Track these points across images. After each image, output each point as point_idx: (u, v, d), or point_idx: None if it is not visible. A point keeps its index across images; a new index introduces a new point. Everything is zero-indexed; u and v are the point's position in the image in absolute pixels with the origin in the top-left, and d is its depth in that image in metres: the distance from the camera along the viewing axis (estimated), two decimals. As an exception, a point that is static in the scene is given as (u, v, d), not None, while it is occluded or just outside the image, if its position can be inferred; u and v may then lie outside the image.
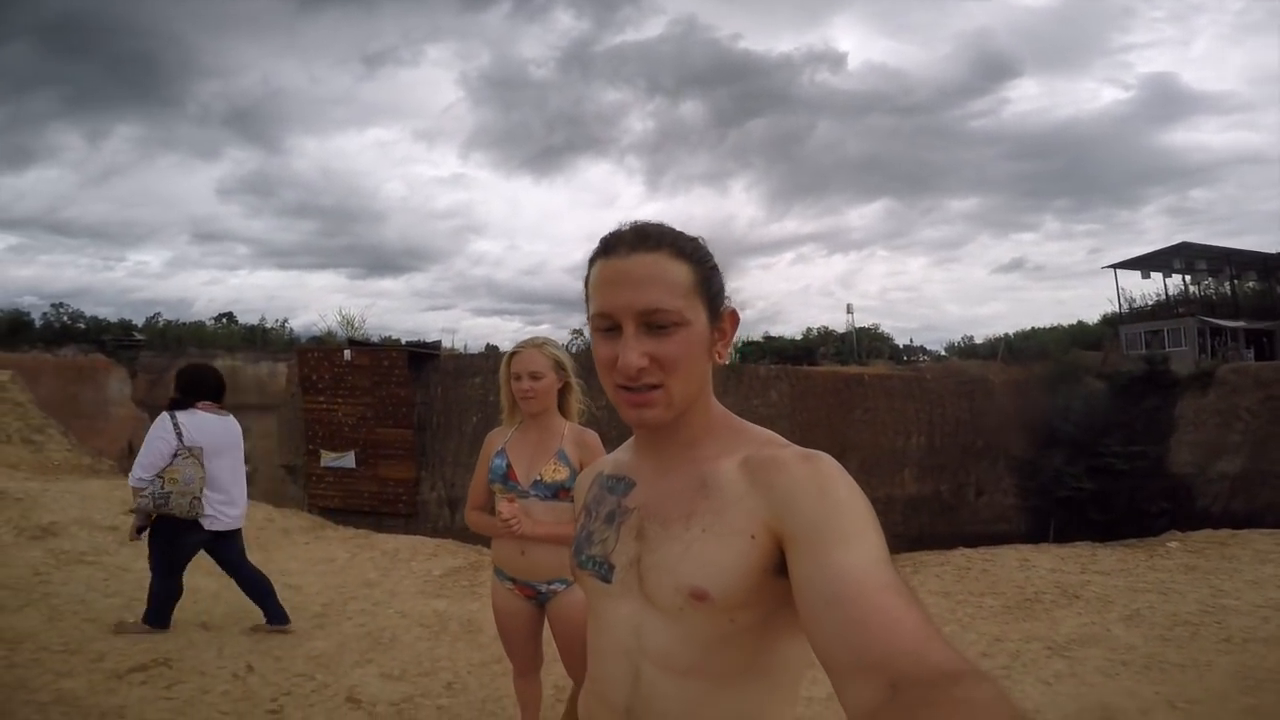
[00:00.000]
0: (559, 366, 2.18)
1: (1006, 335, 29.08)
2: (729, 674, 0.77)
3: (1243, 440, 15.83)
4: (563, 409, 2.24)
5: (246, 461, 3.95)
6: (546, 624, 2.24)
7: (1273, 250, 27.84)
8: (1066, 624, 4.11)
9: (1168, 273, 28.07)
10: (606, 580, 0.84)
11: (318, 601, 4.51)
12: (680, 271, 0.81)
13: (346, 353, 9.15)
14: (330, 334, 13.08)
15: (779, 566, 0.71)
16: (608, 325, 0.81)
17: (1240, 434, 15.99)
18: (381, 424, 8.98)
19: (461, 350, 15.41)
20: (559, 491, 2.07)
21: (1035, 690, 3.25)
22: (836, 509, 0.68)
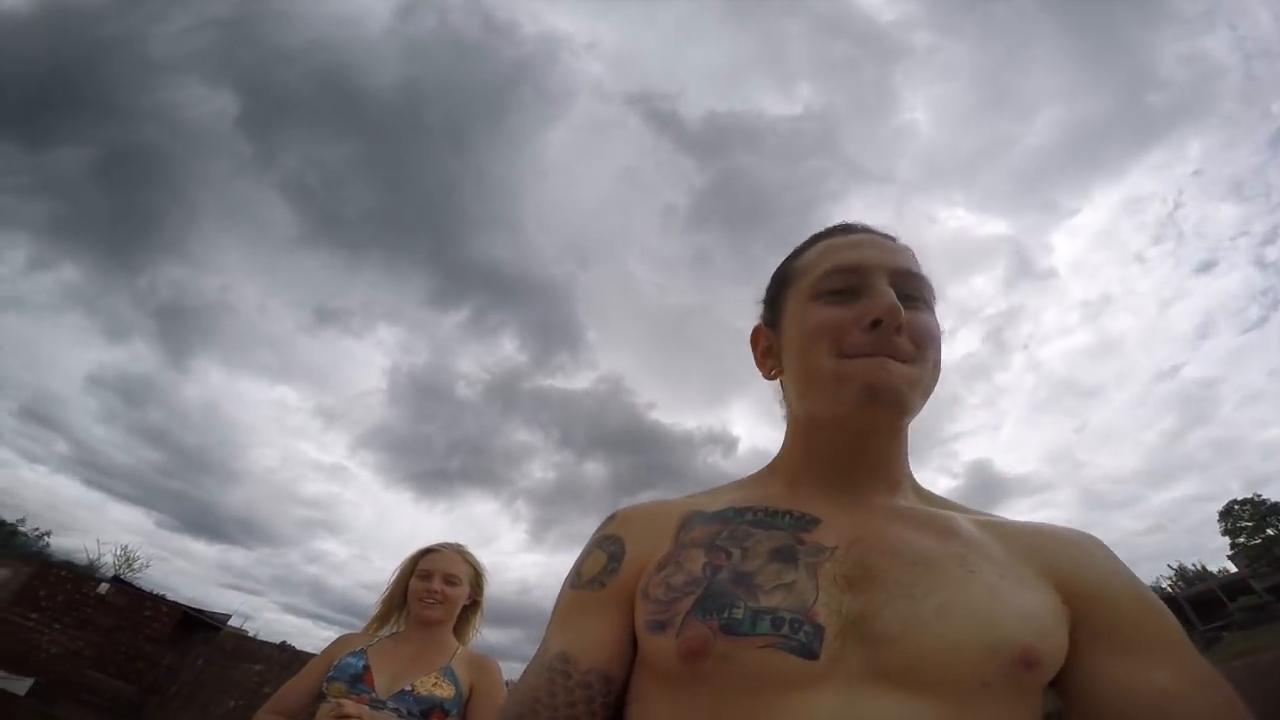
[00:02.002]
0: (477, 580, 1.91)
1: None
2: None
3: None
4: (459, 630, 1.87)
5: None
6: None
7: None
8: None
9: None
10: (809, 654, 0.49)
11: None
12: (922, 268, 0.67)
13: (103, 586, 8.05)
14: (92, 565, 11.37)
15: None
16: (843, 286, 0.63)
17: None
18: (97, 668, 7.67)
19: (250, 634, 13.51)
20: (431, 712, 1.59)
21: None
22: (1158, 606, 0.54)
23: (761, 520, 0.60)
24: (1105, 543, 0.58)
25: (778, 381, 0.73)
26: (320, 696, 1.63)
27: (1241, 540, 34.31)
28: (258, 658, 9.27)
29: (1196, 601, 28.00)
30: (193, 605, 9.88)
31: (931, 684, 0.47)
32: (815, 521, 0.59)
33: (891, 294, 0.60)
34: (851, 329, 0.60)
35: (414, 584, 1.80)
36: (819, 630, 0.50)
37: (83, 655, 7.57)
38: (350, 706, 1.52)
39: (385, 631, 1.82)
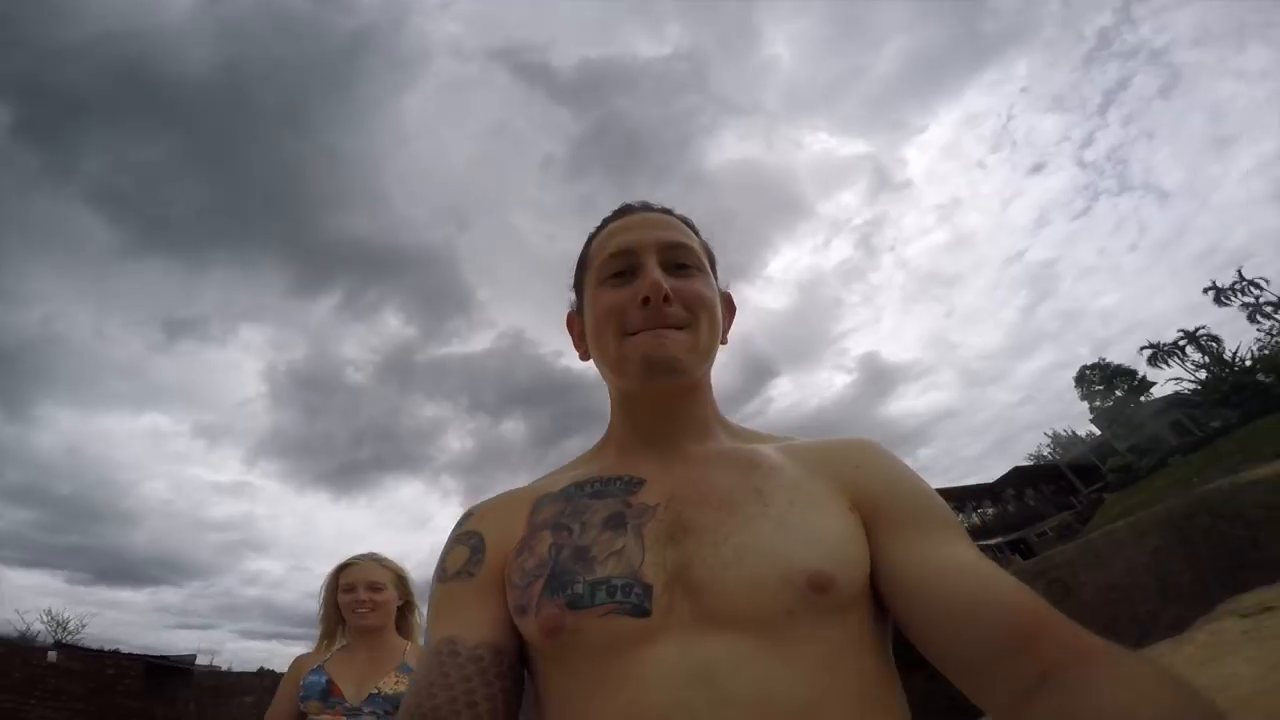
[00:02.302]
0: (401, 582, 1.99)
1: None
2: (858, 711, 0.52)
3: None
4: (402, 629, 1.98)
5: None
6: None
7: (990, 481, 34.90)
8: None
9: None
10: (642, 612, 0.55)
11: None
12: (693, 238, 0.76)
13: (51, 654, 7.05)
14: (26, 635, 9.75)
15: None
16: (619, 271, 0.70)
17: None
18: None
19: (224, 669, 12.54)
20: None
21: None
22: (934, 498, 0.62)
23: (598, 490, 0.66)
24: (881, 443, 0.67)
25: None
26: (301, 717, 1.78)
27: (1098, 404, 38.89)
28: (243, 690, 9.04)
29: (1075, 467, 32.09)
30: (152, 653, 9.00)
31: (747, 620, 0.52)
32: (641, 482, 0.65)
33: (656, 272, 0.67)
34: (630, 308, 0.67)
35: (342, 599, 1.90)
36: (648, 589, 0.56)
37: None
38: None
39: (335, 648, 1.93)
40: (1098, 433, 36.62)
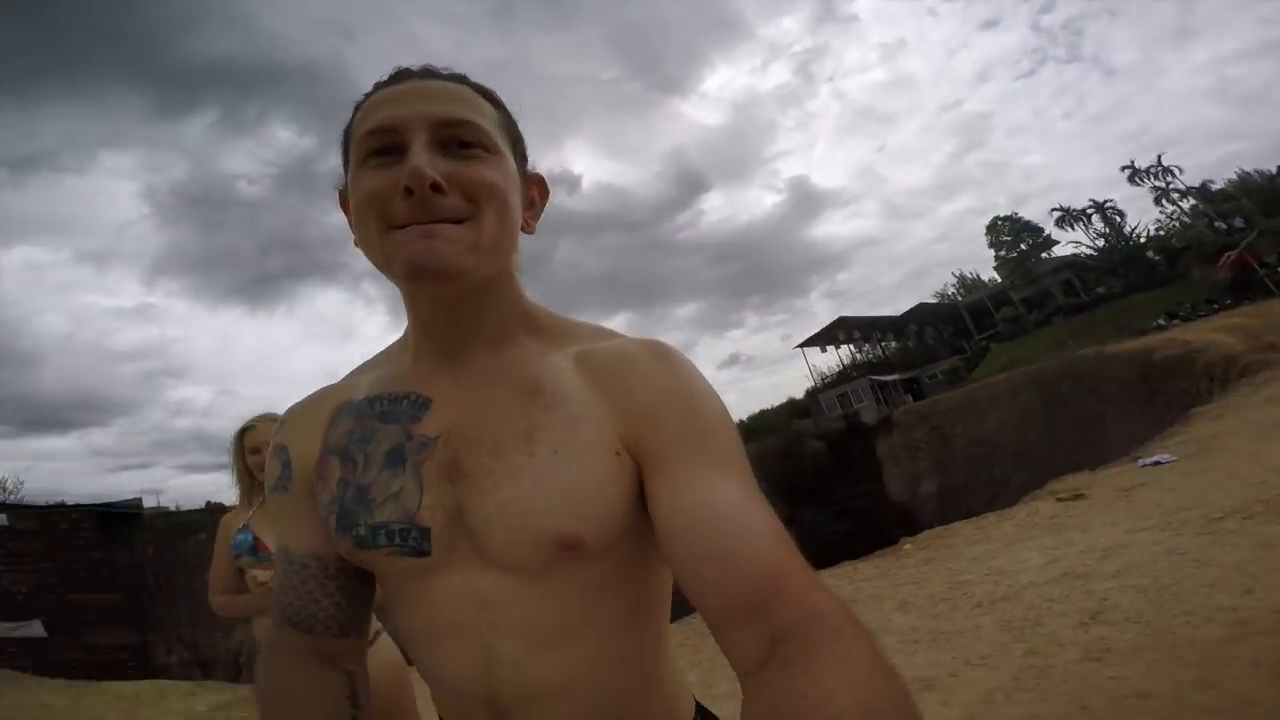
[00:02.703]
0: None
1: (741, 420, 33.12)
2: (605, 634, 0.61)
3: (928, 465, 19.81)
4: None
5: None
6: None
7: (897, 314, 36.81)
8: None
9: (837, 344, 35.14)
10: (421, 553, 0.59)
11: None
12: (488, 108, 0.63)
13: (2, 517, 7.21)
14: None
15: (632, 486, 0.58)
16: (381, 147, 0.58)
17: (925, 460, 20.01)
18: (75, 590, 7.57)
19: (173, 509, 12.92)
20: None
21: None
22: (698, 416, 0.58)
23: (386, 411, 0.64)
24: (671, 352, 0.62)
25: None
26: (239, 572, 2.04)
27: (1003, 254, 41.02)
28: (194, 528, 9.17)
29: (972, 309, 34.50)
30: (98, 503, 9.14)
31: (512, 565, 0.57)
32: (426, 405, 0.63)
33: (421, 155, 0.56)
34: (394, 197, 0.56)
35: (250, 460, 2.07)
36: (425, 531, 0.58)
37: (49, 584, 7.20)
38: (261, 574, 1.98)
39: (254, 506, 2.12)
40: (999, 280, 38.92)
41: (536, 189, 0.70)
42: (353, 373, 0.73)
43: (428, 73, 0.63)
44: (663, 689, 0.68)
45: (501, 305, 0.65)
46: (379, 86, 0.63)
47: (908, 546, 7.10)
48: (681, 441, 0.56)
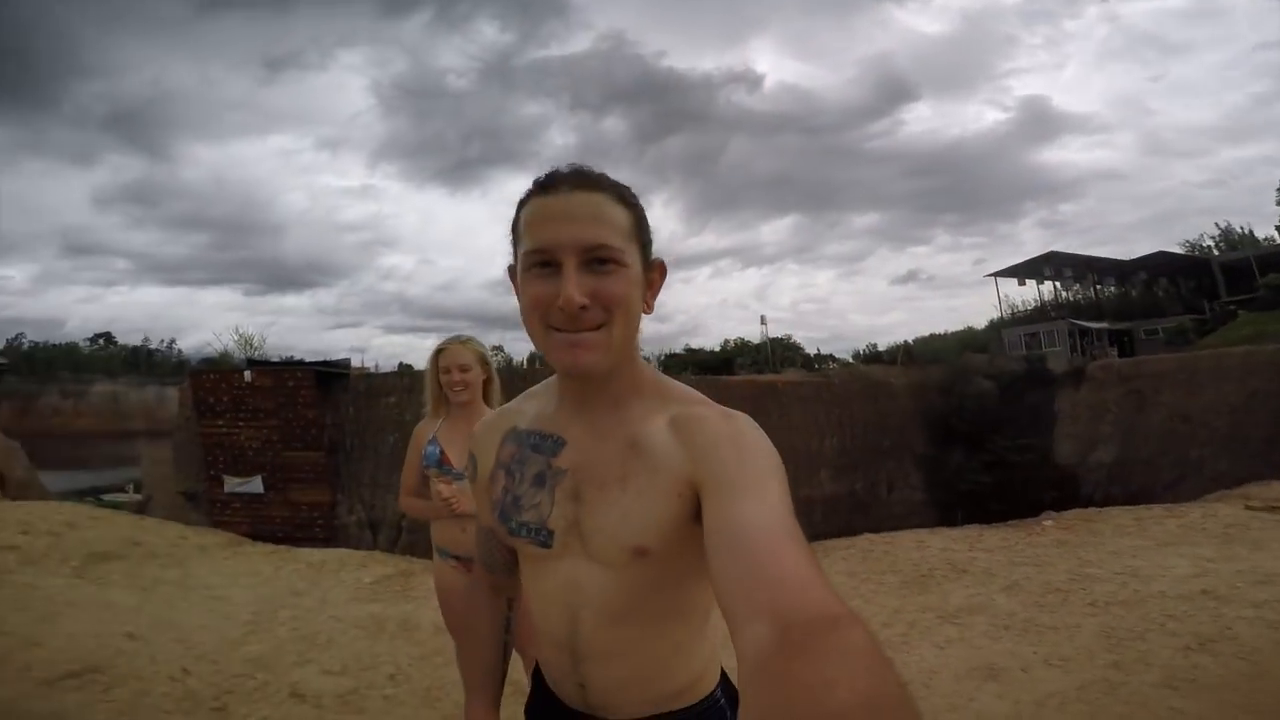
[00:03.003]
0: (483, 361, 2.41)
1: (906, 341, 30.93)
2: (657, 616, 0.84)
3: (1113, 431, 17.45)
4: (487, 398, 2.43)
5: (140, 490, 3.86)
6: None
7: (1126, 258, 31.31)
8: (956, 596, 4.50)
9: (1040, 280, 30.84)
10: (546, 546, 0.85)
11: (246, 610, 4.41)
12: (620, 214, 0.80)
13: (247, 374, 8.64)
14: (225, 355, 12.11)
15: (698, 514, 0.73)
16: (543, 261, 0.78)
17: (1110, 425, 17.63)
18: (289, 447, 8.56)
19: (373, 369, 14.76)
20: None
21: (930, 654, 3.55)
22: (745, 461, 0.72)
23: (536, 444, 0.89)
24: (737, 417, 0.79)
25: None
26: (426, 479, 2.36)
27: None
28: (387, 390, 9.79)
29: (1230, 267, 28.30)
30: (318, 360, 10.27)
31: (604, 561, 0.81)
32: (562, 444, 0.87)
33: (570, 284, 0.75)
34: (551, 306, 0.76)
35: (442, 379, 2.36)
36: (551, 533, 0.85)
37: (273, 440, 8.43)
38: (444, 488, 2.26)
39: (442, 418, 2.40)
40: (1278, 241, 31.41)
41: (657, 272, 0.88)
42: (522, 397, 0.99)
43: (576, 179, 0.80)
44: (694, 661, 0.90)
45: (621, 378, 0.85)
46: (538, 187, 0.81)
47: (1047, 524, 6.56)
48: (727, 475, 0.71)
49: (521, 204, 0.83)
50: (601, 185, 0.80)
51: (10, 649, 3.33)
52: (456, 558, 2.31)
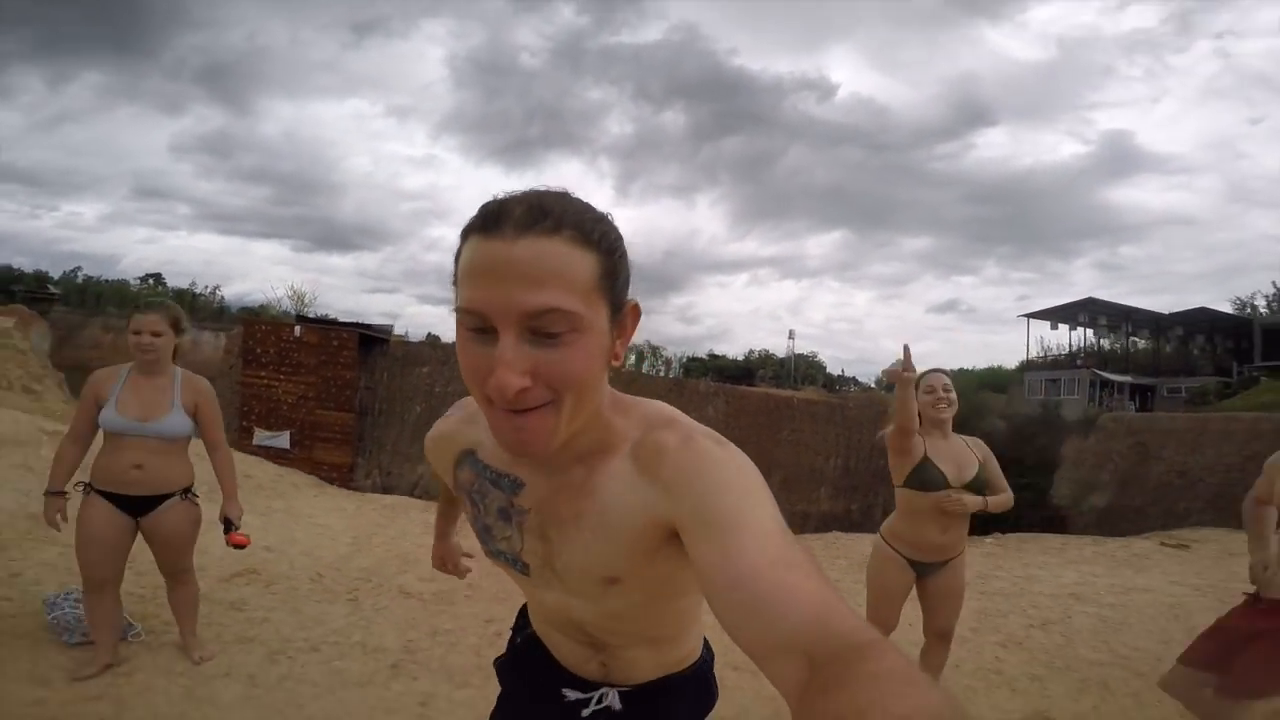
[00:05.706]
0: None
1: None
2: (658, 609, 0.87)
3: (1111, 479, 17.65)
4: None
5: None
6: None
7: (1171, 310, 30.62)
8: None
9: (1073, 325, 30.75)
10: (525, 574, 0.85)
11: (347, 535, 5.36)
12: (582, 263, 0.63)
13: (297, 329, 8.83)
14: (268, 306, 12.82)
15: (673, 537, 0.69)
16: (478, 325, 0.63)
17: (1110, 473, 17.81)
18: (323, 406, 8.57)
19: (404, 337, 15.48)
20: None
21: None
22: (724, 493, 0.64)
23: (494, 479, 0.83)
24: (693, 439, 0.70)
25: None
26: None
27: None
28: (421, 360, 9.71)
29: (1271, 331, 27.60)
30: (358, 322, 10.07)
31: (581, 593, 0.81)
32: (521, 485, 0.80)
33: (510, 376, 0.60)
34: (489, 379, 0.62)
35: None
36: (526, 565, 0.84)
37: (308, 397, 8.59)
38: None
39: None
40: None
41: (631, 317, 0.73)
42: (468, 418, 0.90)
43: (527, 222, 0.61)
44: (696, 624, 0.98)
45: (579, 436, 0.74)
46: (481, 220, 0.64)
47: (988, 540, 7.23)
48: (707, 511, 0.63)
49: (464, 236, 0.66)
50: (560, 225, 0.62)
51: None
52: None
